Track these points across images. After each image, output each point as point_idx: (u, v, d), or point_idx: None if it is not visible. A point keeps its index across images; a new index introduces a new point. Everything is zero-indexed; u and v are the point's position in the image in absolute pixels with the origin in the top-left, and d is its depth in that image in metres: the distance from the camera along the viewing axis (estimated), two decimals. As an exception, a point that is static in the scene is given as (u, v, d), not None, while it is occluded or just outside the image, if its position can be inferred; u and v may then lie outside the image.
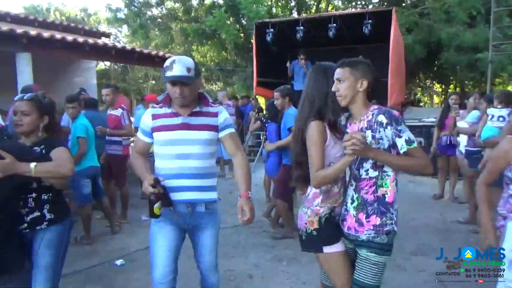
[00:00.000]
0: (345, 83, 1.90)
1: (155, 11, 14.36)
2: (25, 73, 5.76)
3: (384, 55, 8.10)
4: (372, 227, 1.90)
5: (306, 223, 2.04)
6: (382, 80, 9.11)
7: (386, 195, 1.91)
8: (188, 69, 2.00)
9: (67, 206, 2.37)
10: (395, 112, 1.88)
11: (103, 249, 4.27)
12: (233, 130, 2.27)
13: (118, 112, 4.97)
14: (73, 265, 3.81)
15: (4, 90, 6.03)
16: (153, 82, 20.96)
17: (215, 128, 2.19)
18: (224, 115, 2.23)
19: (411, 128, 7.22)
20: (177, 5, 14.43)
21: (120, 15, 14.13)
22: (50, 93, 6.84)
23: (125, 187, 5.12)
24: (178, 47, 16.01)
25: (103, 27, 19.75)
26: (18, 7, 29.24)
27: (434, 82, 16.84)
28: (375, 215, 1.90)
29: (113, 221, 4.74)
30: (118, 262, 3.85)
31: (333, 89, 1.94)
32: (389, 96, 7.96)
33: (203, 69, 16.35)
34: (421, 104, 17.07)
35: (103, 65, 19.53)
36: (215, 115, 2.21)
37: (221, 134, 2.22)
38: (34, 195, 2.08)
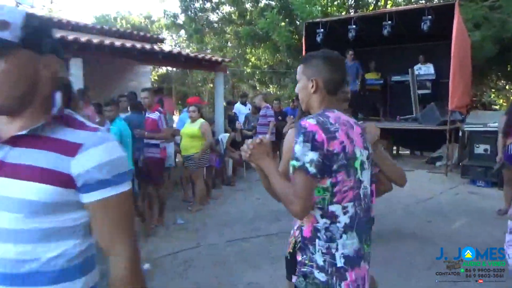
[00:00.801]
0: (299, 83, 1.59)
1: (211, 16, 14.63)
2: (77, 77, 6.03)
3: (446, 54, 7.45)
4: (298, 263, 1.52)
5: (289, 243, 1.74)
6: (442, 81, 8.44)
7: (302, 227, 1.50)
8: (4, 24, 0.89)
9: None
10: (303, 121, 1.41)
11: (134, 251, 4.28)
12: (116, 192, 0.99)
13: (155, 115, 5.00)
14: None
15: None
16: (211, 85, 21.39)
17: (61, 180, 0.95)
18: (98, 155, 0.97)
19: (474, 134, 6.52)
20: (232, 9, 14.57)
21: (179, 21, 14.57)
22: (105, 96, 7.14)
23: (162, 190, 5.14)
24: (235, 50, 16.18)
25: (166, 34, 20.58)
26: (90, 16, 31.71)
27: (509, 82, 15.22)
28: (299, 249, 1.53)
29: (148, 223, 4.76)
30: (145, 266, 3.83)
31: (295, 90, 1.65)
32: (450, 99, 7.26)
33: (257, 72, 16.37)
34: (496, 107, 15.51)
35: (164, 69, 20.33)
36: (72, 150, 0.96)
37: (87, 198, 0.97)
38: None
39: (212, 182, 6.96)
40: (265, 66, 15.83)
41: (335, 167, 1.39)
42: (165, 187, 5.47)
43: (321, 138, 1.37)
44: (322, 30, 8.57)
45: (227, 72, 10.27)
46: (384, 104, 9.95)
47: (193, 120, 5.82)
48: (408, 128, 8.71)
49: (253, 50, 15.36)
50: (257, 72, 16.01)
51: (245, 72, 16.44)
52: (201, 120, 5.85)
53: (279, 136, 7.64)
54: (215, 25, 14.64)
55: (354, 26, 8.34)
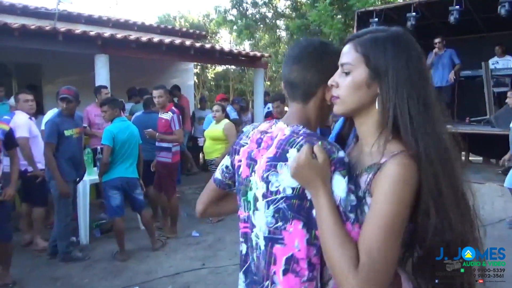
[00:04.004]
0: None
1: (264, 11, 13.96)
2: (102, 74, 5.78)
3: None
4: None
5: None
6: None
7: None
8: None
9: None
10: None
11: (132, 268, 3.83)
12: None
13: (168, 115, 4.51)
14: (90, 286, 3.45)
15: (87, 92, 6.12)
16: (268, 83, 20.80)
17: None
18: None
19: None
20: (287, 3, 13.81)
21: (230, 17, 14.15)
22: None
23: (174, 198, 4.64)
24: (286, 46, 15.44)
25: (223, 31, 20.36)
26: (154, 16, 32.56)
27: None
28: None
29: (154, 237, 4.29)
30: (132, 290, 3.34)
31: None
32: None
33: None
34: None
35: (221, 67, 20.14)
36: None
37: None
38: None
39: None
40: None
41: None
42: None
43: (233, 147, 1.21)
44: (376, 19, 7.54)
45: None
46: (452, 104, 8.59)
47: (218, 120, 5.25)
48: (479, 132, 7.39)
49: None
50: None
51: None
52: (226, 120, 5.26)
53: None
54: (267, 20, 13.98)
55: (414, 13, 7.19)
